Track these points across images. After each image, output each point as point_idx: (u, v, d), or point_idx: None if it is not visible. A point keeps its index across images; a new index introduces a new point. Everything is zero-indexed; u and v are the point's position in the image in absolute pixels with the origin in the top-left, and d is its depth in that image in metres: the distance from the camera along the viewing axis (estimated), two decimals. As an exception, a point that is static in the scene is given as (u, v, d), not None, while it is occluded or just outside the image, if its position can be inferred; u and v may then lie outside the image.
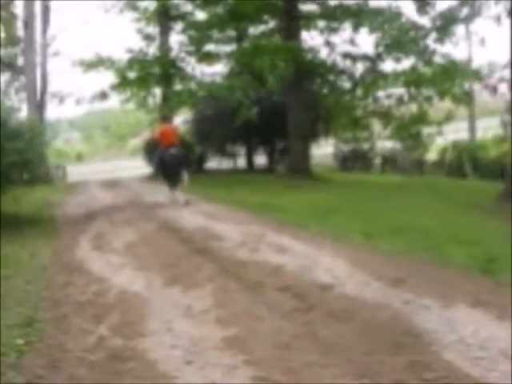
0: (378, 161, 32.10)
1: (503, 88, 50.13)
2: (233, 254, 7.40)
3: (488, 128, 35.69)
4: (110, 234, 9.55)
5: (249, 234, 8.72)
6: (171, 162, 12.76)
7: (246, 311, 5.03)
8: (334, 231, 8.85)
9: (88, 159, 56.08)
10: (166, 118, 15.32)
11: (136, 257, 7.64)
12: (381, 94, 24.41)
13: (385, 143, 32.51)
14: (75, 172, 31.76)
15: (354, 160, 31.70)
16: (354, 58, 23.70)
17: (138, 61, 20.11)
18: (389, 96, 24.44)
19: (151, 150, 25.60)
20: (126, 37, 25.43)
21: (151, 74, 20.75)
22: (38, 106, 21.87)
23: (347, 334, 4.38)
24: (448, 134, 28.50)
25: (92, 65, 20.19)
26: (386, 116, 24.47)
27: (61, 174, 29.72)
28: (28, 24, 21.73)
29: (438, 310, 4.82)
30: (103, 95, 21.03)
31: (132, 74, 20.63)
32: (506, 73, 43.09)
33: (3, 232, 9.66)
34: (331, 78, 23.93)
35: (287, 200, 13.58)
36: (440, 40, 21.85)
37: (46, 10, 23.80)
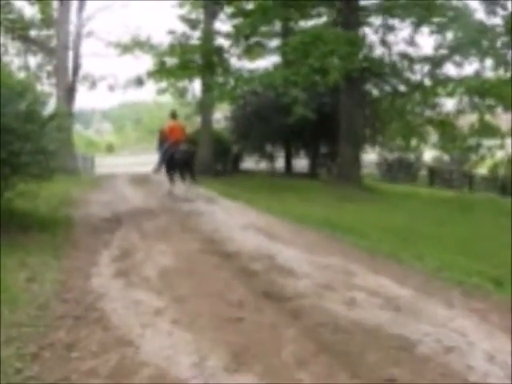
0: (423, 172, 29.31)
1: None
2: (321, 307, 4.81)
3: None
4: (140, 252, 7.01)
5: (330, 269, 6.12)
6: (183, 158, 12.62)
7: None
8: (443, 271, 6.24)
9: (118, 151, 54.17)
10: (175, 114, 13.75)
11: (177, 298, 5.08)
12: (439, 100, 21.76)
13: (431, 154, 29.87)
14: (104, 163, 29.60)
15: (399, 170, 28.93)
16: (411, 59, 20.96)
17: (180, 45, 17.63)
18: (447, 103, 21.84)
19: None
20: (166, 22, 22.83)
21: (192, 61, 18.23)
22: (68, 91, 19.51)
23: None
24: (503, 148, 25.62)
25: (129, 47, 17.79)
26: (443, 125, 21.71)
27: (88, 165, 27.43)
28: (63, 2, 19.38)
29: None
30: (139, 81, 18.57)
31: (171, 61, 18.13)
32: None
33: (2, 238, 7.24)
34: (388, 79, 21.23)
35: (351, 216, 10.99)
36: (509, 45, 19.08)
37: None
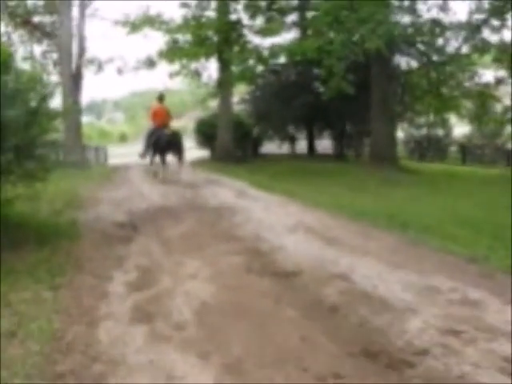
0: (453, 149, 27.18)
1: None
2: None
3: None
4: (166, 275, 5.12)
5: (440, 296, 4.20)
6: (169, 142, 12.37)
7: None
8: None
9: (131, 140, 52.41)
10: (162, 97, 13.30)
11: (231, 367, 3.18)
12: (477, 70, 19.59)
13: (461, 129, 27.77)
14: (117, 153, 27.95)
15: (427, 147, 26.79)
16: (444, 26, 18.75)
17: (194, 18, 15.61)
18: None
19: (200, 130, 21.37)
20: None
21: (208, 38, 16.22)
22: (74, 77, 17.54)
23: None
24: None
25: (138, 25, 15.81)
26: (481, 96, 19.58)
27: (101, 156, 25.60)
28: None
29: None
30: (150, 63, 16.62)
31: (184, 40, 16.14)
32: None
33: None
34: (420, 49, 19.02)
35: (409, 206, 9.07)
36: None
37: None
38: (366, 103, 20.09)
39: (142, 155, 13.01)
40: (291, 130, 23.89)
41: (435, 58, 18.68)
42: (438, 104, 19.88)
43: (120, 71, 17.57)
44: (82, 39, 18.08)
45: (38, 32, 21.49)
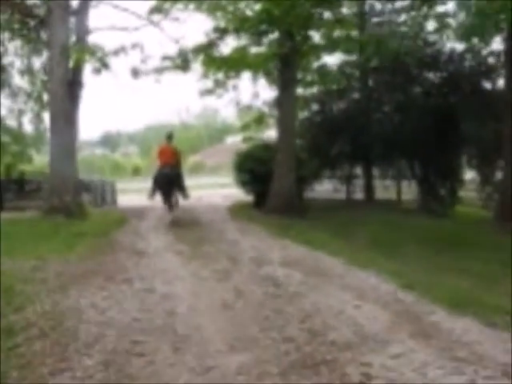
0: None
1: None
2: None
3: None
4: None
5: None
6: (163, 181, 11.22)
7: None
8: None
9: (145, 173, 47.64)
10: (170, 137, 11.19)
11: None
12: None
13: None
14: (130, 188, 22.42)
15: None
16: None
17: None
18: None
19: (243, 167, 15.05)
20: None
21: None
22: (69, 84, 11.27)
23: None
24: None
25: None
26: None
27: (108, 194, 19.25)
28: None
29: None
30: (183, 61, 10.61)
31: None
32: None
33: None
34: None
35: None
36: None
37: None
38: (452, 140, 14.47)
39: (150, 196, 11.67)
40: (349, 168, 17.75)
41: None
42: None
43: (135, 73, 11.30)
44: (82, 29, 11.81)
45: (22, 15, 15.12)
